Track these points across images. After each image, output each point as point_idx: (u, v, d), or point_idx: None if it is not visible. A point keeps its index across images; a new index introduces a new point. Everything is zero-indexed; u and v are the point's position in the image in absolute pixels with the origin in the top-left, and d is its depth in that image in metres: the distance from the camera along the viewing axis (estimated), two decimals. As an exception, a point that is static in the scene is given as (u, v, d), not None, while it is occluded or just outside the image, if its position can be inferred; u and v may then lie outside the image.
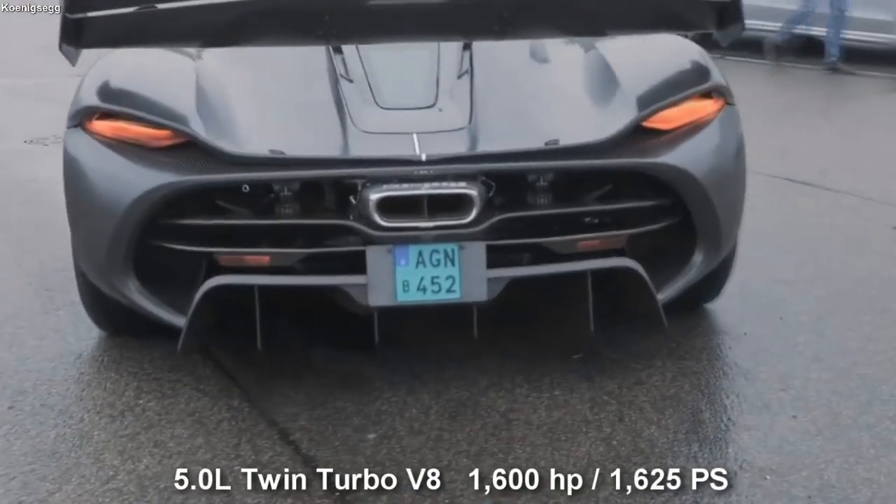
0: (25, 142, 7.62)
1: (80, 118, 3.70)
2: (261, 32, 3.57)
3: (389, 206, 3.36)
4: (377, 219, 3.34)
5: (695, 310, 4.25)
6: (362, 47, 3.99)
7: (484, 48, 4.04)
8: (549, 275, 3.55)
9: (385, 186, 3.36)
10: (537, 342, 3.97)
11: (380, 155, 3.43)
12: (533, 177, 3.56)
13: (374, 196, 3.34)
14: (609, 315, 3.83)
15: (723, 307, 4.31)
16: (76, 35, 3.53)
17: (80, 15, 3.50)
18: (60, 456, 3.20)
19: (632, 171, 3.60)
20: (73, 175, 3.64)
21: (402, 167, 3.39)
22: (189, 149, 3.50)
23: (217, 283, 3.39)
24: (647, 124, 3.65)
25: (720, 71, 3.99)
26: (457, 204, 3.38)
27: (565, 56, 4.09)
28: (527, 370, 3.75)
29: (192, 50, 3.96)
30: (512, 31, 3.57)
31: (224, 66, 3.96)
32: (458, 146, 3.52)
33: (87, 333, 4.10)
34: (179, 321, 3.50)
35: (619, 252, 3.67)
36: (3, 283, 4.67)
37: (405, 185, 3.37)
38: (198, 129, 3.49)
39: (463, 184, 3.38)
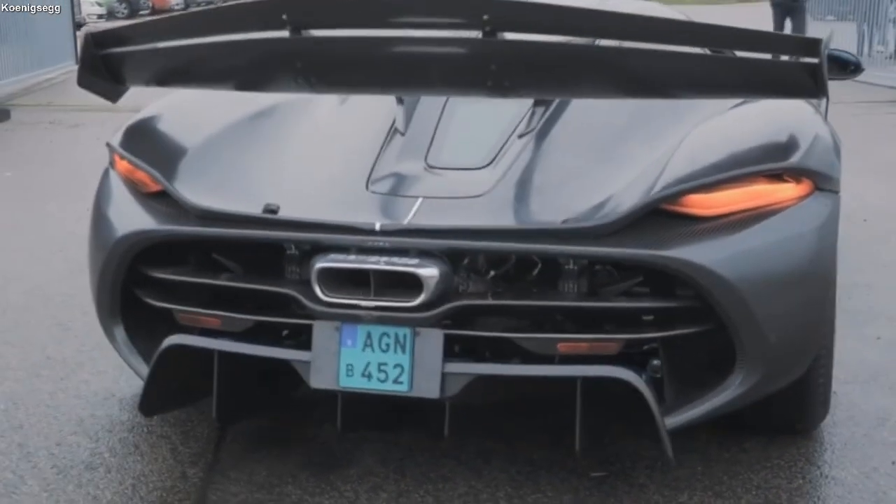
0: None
1: (110, 157, 3.64)
2: (239, 76, 3.32)
3: (336, 280, 2.98)
4: (317, 291, 2.98)
5: (791, 435, 3.50)
6: (448, 98, 3.67)
7: (572, 107, 3.57)
8: (522, 377, 3.00)
9: (331, 256, 2.99)
10: (563, 449, 3.40)
11: (337, 221, 3.05)
12: (521, 262, 3.06)
13: (317, 266, 2.98)
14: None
15: (829, 439, 3.51)
16: (111, 71, 3.47)
17: (111, 50, 3.44)
18: (-26, 503, 3.12)
19: (637, 265, 2.97)
20: (93, 212, 3.57)
21: (356, 236, 3.00)
22: (170, 198, 3.31)
23: (173, 343, 3.16)
24: (673, 208, 2.99)
25: (827, 150, 3.24)
26: (409, 284, 2.94)
27: (656, 123, 3.47)
28: (521, 483, 3.21)
29: (256, 94, 3.75)
30: (513, 87, 3.07)
31: (281, 114, 3.75)
32: (451, 217, 3.06)
33: (144, 374, 4.01)
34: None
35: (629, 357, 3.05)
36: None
37: (351, 258, 2.98)
38: (174, 177, 3.29)
39: (415, 262, 2.93)
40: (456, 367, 2.95)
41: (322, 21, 3.04)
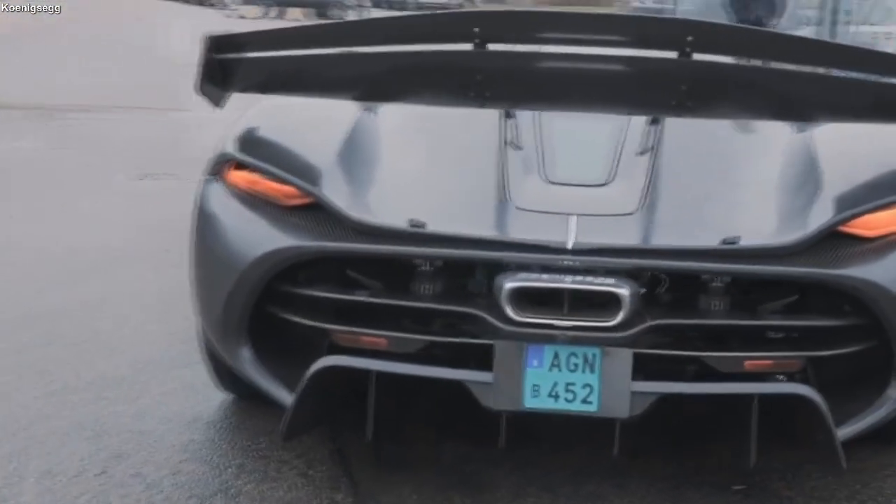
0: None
1: (217, 167, 3.45)
2: (413, 88, 3.24)
3: (524, 298, 2.93)
4: (508, 311, 2.92)
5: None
6: (543, 113, 3.61)
7: (676, 124, 3.57)
8: (707, 395, 3.03)
9: (522, 275, 2.93)
10: (697, 464, 3.44)
11: (522, 239, 3.00)
12: (701, 280, 3.08)
13: (507, 285, 2.92)
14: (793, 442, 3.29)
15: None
16: (222, 77, 3.31)
17: (227, 56, 3.28)
18: (130, 538, 2.92)
19: (817, 284, 3.04)
20: (202, 226, 3.37)
21: (544, 255, 2.96)
22: (318, 212, 3.18)
23: (328, 364, 3.02)
24: (845, 229, 3.08)
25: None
26: (603, 303, 2.92)
27: (769, 141, 3.55)
28: (673, 497, 3.23)
29: (358, 104, 3.64)
30: (694, 107, 3.09)
31: (385, 124, 3.64)
32: (618, 236, 3.05)
33: (215, 393, 3.82)
34: (289, 401, 3.15)
35: (796, 375, 3.12)
36: (151, 329, 4.47)
37: (544, 277, 2.93)
38: (328, 190, 3.17)
39: (611, 280, 2.91)
40: (644, 385, 2.95)
41: (514, 36, 2.99)
